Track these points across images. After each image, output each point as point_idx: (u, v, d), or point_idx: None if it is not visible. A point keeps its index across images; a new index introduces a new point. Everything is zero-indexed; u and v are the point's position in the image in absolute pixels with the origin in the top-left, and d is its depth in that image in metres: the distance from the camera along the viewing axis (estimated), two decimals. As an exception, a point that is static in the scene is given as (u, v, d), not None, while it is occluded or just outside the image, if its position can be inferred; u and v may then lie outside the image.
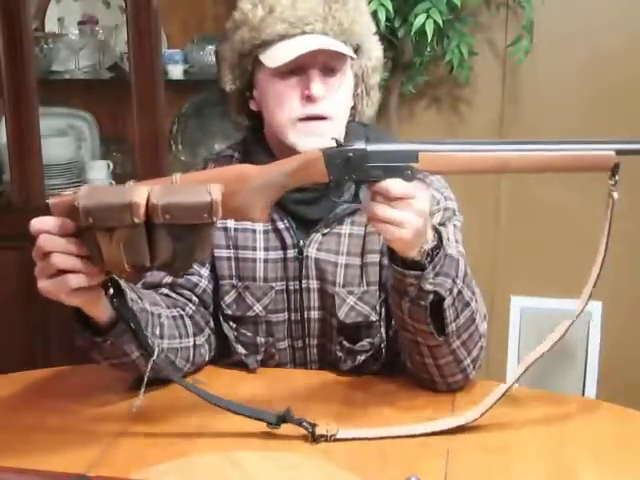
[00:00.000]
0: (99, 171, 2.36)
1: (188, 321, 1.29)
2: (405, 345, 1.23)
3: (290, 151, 1.22)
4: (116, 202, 0.92)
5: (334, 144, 1.06)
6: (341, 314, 1.30)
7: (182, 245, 0.96)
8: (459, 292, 1.14)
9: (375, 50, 1.33)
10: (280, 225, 1.31)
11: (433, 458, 1.04)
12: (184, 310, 1.30)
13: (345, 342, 1.31)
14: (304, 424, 1.09)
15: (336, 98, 1.25)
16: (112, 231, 0.93)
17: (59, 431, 1.13)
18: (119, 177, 2.39)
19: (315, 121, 1.24)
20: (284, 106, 1.24)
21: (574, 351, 2.45)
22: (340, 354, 1.32)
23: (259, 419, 1.10)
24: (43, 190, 2.28)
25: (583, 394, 2.44)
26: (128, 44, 2.17)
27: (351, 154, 1.04)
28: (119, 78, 2.33)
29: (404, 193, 1.03)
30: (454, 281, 1.14)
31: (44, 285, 0.99)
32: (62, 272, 0.97)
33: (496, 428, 1.13)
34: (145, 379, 1.09)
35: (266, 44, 1.23)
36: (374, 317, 1.31)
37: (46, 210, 0.98)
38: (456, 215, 1.32)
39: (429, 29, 2.07)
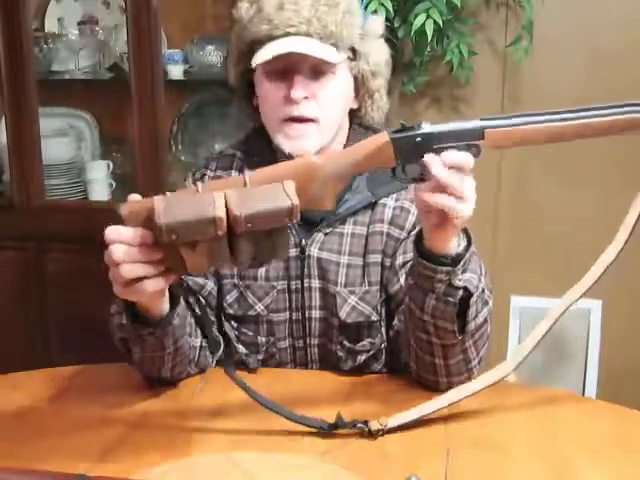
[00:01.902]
0: (99, 171, 2.36)
1: (194, 322, 1.29)
2: (414, 346, 1.21)
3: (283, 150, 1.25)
4: (199, 218, 0.91)
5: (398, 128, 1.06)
6: (342, 314, 1.30)
7: (262, 248, 0.96)
8: (482, 290, 1.15)
9: (374, 54, 1.30)
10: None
11: (433, 458, 1.04)
12: (192, 311, 1.30)
13: (346, 342, 1.31)
14: (358, 425, 1.09)
15: (323, 100, 1.24)
16: (195, 244, 0.92)
17: (59, 431, 1.13)
18: (119, 177, 2.39)
19: (298, 123, 1.24)
20: (270, 107, 1.25)
21: (574, 350, 2.45)
22: (341, 354, 1.32)
23: (311, 426, 1.10)
24: (43, 190, 2.29)
25: (583, 393, 2.44)
26: (128, 44, 2.17)
27: (419, 138, 1.04)
28: (119, 78, 2.33)
29: (470, 169, 1.03)
30: (479, 278, 1.14)
31: (119, 291, 0.99)
32: (135, 280, 0.97)
33: (496, 428, 1.13)
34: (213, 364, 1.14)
35: (255, 44, 1.24)
36: (375, 317, 1.31)
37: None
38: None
39: (429, 29, 2.07)
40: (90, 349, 2.19)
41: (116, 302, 1.19)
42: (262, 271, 1.32)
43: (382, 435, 1.09)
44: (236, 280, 1.33)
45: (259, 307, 1.32)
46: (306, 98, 1.22)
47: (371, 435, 1.09)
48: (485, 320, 1.18)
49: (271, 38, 1.22)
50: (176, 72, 2.30)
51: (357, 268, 1.31)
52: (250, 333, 1.34)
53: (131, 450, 1.07)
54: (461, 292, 1.12)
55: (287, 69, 1.23)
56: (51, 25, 2.43)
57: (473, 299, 1.13)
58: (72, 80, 2.38)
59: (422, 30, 2.07)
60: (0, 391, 1.26)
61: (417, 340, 1.20)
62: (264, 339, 1.33)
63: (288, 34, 1.21)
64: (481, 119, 1.05)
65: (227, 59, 1.35)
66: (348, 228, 1.32)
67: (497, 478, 1.02)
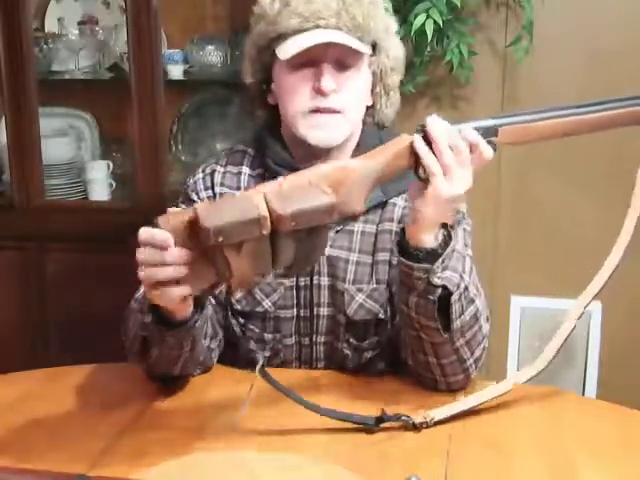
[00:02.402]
0: (99, 171, 2.36)
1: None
2: (409, 343, 1.23)
3: (302, 144, 1.27)
4: (244, 218, 0.91)
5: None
6: (350, 311, 1.31)
7: (302, 248, 0.96)
8: (465, 288, 1.15)
9: (394, 49, 1.33)
10: None
11: (433, 458, 1.04)
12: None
13: (352, 339, 1.32)
14: (403, 418, 1.11)
15: (348, 93, 1.26)
16: (240, 245, 0.93)
17: (59, 431, 1.13)
18: (119, 177, 2.39)
19: (325, 114, 1.25)
20: (296, 98, 1.25)
21: (574, 351, 2.45)
22: (347, 352, 1.32)
23: (357, 422, 1.12)
24: (43, 190, 2.28)
25: (583, 394, 2.43)
26: (128, 44, 2.17)
27: None
28: (119, 78, 2.33)
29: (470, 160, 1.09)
30: (461, 276, 1.15)
31: (147, 292, 1.01)
32: (162, 283, 0.97)
33: (496, 428, 1.13)
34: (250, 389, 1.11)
35: (281, 37, 1.25)
36: (382, 315, 1.32)
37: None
38: (465, 219, 1.33)
39: (429, 29, 2.07)
40: (90, 349, 2.19)
41: (139, 300, 1.20)
42: None
43: (426, 428, 1.12)
44: None
45: (267, 304, 1.32)
46: (333, 91, 1.24)
47: (415, 428, 1.11)
48: (475, 319, 1.18)
49: (299, 31, 1.23)
50: (176, 72, 2.30)
51: (366, 266, 1.32)
52: (257, 330, 1.34)
53: (131, 450, 1.07)
54: (439, 290, 1.13)
55: (312, 62, 1.24)
56: (51, 25, 2.43)
57: (454, 297, 1.14)
58: (72, 80, 2.38)
59: (422, 30, 2.07)
60: (0, 391, 1.26)
61: (410, 337, 1.22)
62: (270, 336, 1.33)
63: (317, 27, 1.22)
64: (493, 117, 1.09)
65: (243, 58, 1.35)
66: (358, 226, 1.33)
67: (497, 478, 1.02)
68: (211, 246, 0.91)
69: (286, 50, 1.23)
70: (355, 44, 1.23)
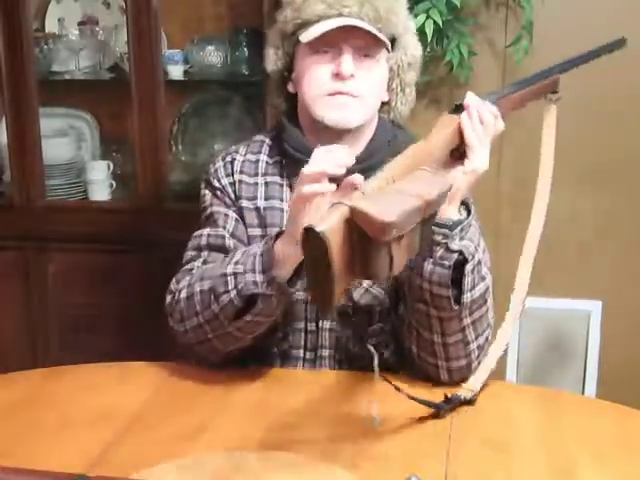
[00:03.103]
0: (99, 171, 2.36)
1: None
2: (415, 322, 1.25)
3: (318, 130, 1.31)
4: (412, 208, 0.91)
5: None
6: (356, 295, 1.32)
7: (419, 236, 0.96)
8: (479, 262, 1.21)
9: (412, 47, 1.38)
10: None
11: (433, 458, 1.04)
12: None
13: (357, 326, 1.33)
14: (462, 398, 1.17)
15: (365, 81, 1.30)
16: (402, 237, 0.91)
17: (59, 431, 1.13)
18: (119, 177, 2.39)
19: (343, 95, 1.29)
20: (316, 81, 1.30)
21: (574, 351, 2.45)
22: (351, 338, 1.33)
23: (431, 405, 1.16)
24: (43, 190, 2.29)
25: (583, 393, 2.43)
26: (128, 45, 2.17)
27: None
28: (119, 78, 2.33)
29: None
30: (476, 248, 1.20)
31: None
32: None
33: (496, 428, 1.13)
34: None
35: (306, 24, 1.30)
36: (387, 302, 1.33)
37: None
38: (475, 220, 1.34)
39: (429, 29, 2.07)
40: (90, 349, 2.19)
41: (214, 278, 1.23)
42: None
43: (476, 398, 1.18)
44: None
45: None
46: (352, 76, 1.28)
47: (470, 402, 1.17)
48: (483, 299, 1.22)
49: (323, 18, 1.28)
50: (176, 72, 2.30)
51: None
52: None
53: (131, 449, 1.08)
54: (456, 256, 1.17)
55: (333, 48, 1.28)
56: (51, 25, 2.43)
57: (468, 267, 1.18)
58: (72, 80, 2.38)
59: (422, 30, 2.07)
60: (0, 391, 1.26)
61: (417, 315, 1.24)
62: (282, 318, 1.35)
63: (340, 15, 1.28)
64: (489, 93, 1.23)
65: (266, 47, 1.40)
66: None
67: (497, 478, 1.02)
68: (383, 242, 0.88)
69: (309, 34, 1.28)
70: (375, 32, 1.27)
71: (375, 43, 1.29)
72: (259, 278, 1.18)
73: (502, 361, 2.51)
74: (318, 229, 0.87)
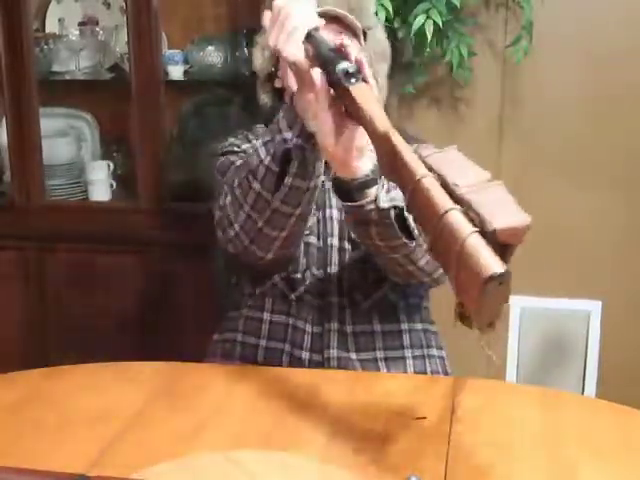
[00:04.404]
0: (99, 171, 2.36)
1: None
2: (388, 269, 1.32)
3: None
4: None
5: None
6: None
7: None
8: None
9: (382, 39, 1.48)
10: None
11: (433, 458, 1.05)
12: None
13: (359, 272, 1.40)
14: None
15: None
16: None
17: (59, 431, 1.13)
18: (119, 177, 2.39)
19: None
20: None
21: (573, 350, 2.45)
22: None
23: None
24: (43, 190, 2.29)
25: (583, 393, 2.44)
26: (128, 45, 2.17)
27: None
28: (119, 79, 2.33)
29: None
30: (404, 193, 1.18)
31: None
32: None
33: (496, 428, 1.13)
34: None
35: None
36: None
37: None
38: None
39: (429, 30, 2.07)
40: (90, 349, 2.19)
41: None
42: None
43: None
44: None
45: None
46: None
47: None
48: None
49: None
50: (176, 73, 2.30)
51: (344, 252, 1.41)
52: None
53: (131, 449, 1.08)
54: (392, 211, 1.18)
55: None
56: (52, 26, 2.43)
57: (406, 212, 1.17)
58: (73, 80, 2.38)
59: (422, 31, 2.07)
60: (0, 391, 1.26)
61: (385, 262, 1.30)
62: (303, 260, 1.41)
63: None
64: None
65: (255, 48, 1.48)
66: (334, 213, 1.42)
67: (497, 478, 1.02)
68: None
69: None
70: (352, 18, 1.35)
71: (350, 33, 1.34)
72: (287, 135, 1.19)
73: (502, 361, 2.53)
74: (503, 270, 0.85)
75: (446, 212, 0.87)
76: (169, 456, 1.04)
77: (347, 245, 1.43)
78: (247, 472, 1.00)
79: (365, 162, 1.15)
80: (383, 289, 1.43)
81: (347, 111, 1.09)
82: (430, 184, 0.90)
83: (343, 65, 1.07)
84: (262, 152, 1.23)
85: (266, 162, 1.22)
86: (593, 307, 2.39)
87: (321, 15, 1.29)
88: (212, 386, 1.27)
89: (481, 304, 0.85)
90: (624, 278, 2.38)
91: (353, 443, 1.09)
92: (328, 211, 1.43)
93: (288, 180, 1.21)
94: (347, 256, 1.43)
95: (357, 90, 1.07)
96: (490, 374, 2.36)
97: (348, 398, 1.22)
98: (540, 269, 2.41)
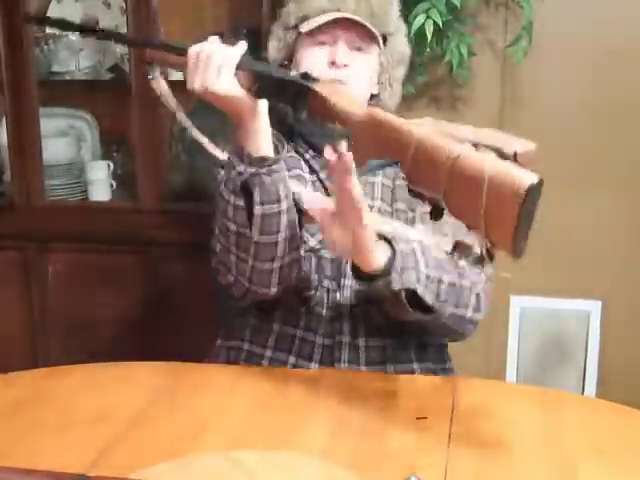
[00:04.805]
0: (99, 171, 2.36)
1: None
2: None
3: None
4: None
5: None
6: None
7: None
8: (427, 277, 1.21)
9: (401, 46, 1.48)
10: (322, 175, 1.41)
11: (433, 458, 1.05)
12: None
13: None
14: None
15: (357, 71, 1.39)
16: None
17: (59, 431, 1.13)
18: (119, 177, 2.39)
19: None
20: (312, 67, 1.35)
21: (573, 350, 2.45)
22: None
23: None
24: (43, 190, 2.28)
25: (583, 393, 2.44)
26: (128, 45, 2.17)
27: None
28: (119, 79, 2.33)
29: None
30: (417, 269, 1.20)
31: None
32: None
33: (496, 427, 1.13)
34: None
35: (307, 17, 1.41)
36: None
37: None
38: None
39: (428, 30, 2.07)
40: (90, 349, 2.19)
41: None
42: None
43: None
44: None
45: (313, 242, 1.37)
46: (345, 66, 1.37)
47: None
48: (452, 290, 1.25)
49: (322, 12, 1.39)
50: (176, 73, 2.30)
51: (386, 214, 1.40)
52: (305, 268, 1.36)
53: (130, 449, 1.08)
54: (404, 292, 1.19)
55: (329, 40, 1.39)
56: (52, 25, 2.43)
57: (420, 291, 1.20)
58: (73, 81, 2.38)
59: (422, 30, 2.07)
60: (0, 391, 1.26)
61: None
62: (315, 275, 1.38)
63: (339, 10, 1.39)
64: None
65: (269, 39, 1.50)
66: (378, 179, 1.43)
67: (497, 478, 1.02)
68: None
69: (309, 25, 1.40)
70: (369, 26, 1.38)
71: (368, 37, 1.39)
72: (240, 168, 1.22)
73: (502, 361, 2.53)
74: (537, 181, 0.87)
75: (458, 154, 0.87)
76: (169, 456, 1.04)
77: None
78: (247, 472, 1.00)
79: (378, 255, 1.15)
80: None
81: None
82: (430, 134, 0.90)
83: (294, 72, 1.09)
84: (225, 193, 1.25)
85: (232, 201, 1.24)
86: (593, 307, 2.39)
87: (339, 21, 1.36)
88: (212, 386, 1.27)
89: (519, 222, 0.89)
90: (624, 278, 2.38)
91: (353, 443, 1.09)
92: None
93: (258, 210, 1.22)
94: None
95: (322, 87, 1.09)
96: (490, 374, 2.36)
97: (348, 398, 1.22)
98: (540, 269, 2.41)
